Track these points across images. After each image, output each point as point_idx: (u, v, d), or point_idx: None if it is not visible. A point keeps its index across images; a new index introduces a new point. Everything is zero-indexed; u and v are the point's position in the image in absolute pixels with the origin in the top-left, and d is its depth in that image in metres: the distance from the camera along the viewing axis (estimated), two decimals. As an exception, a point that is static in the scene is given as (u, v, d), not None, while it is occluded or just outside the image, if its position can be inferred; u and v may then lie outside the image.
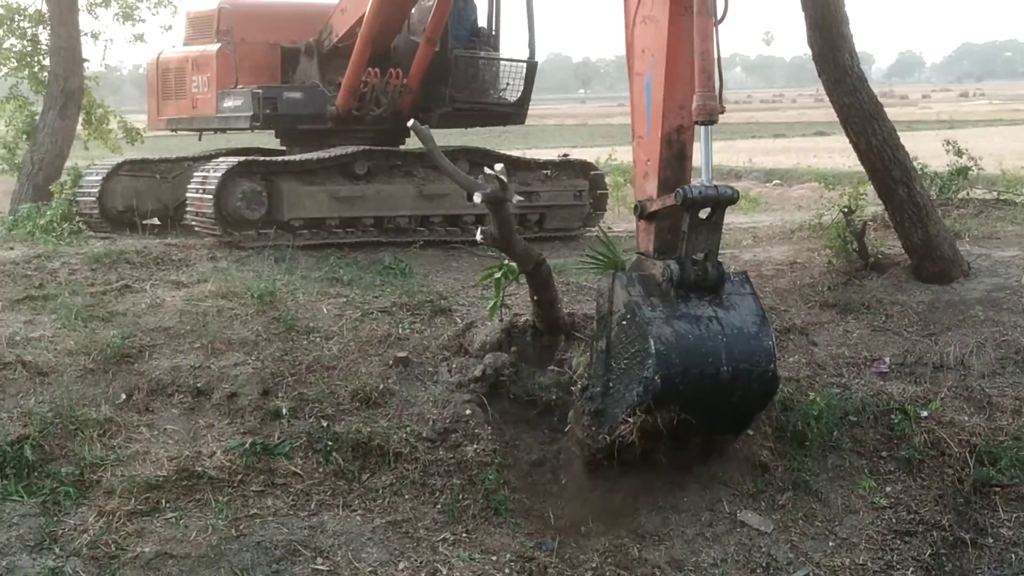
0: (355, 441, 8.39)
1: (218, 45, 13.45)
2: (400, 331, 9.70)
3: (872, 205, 12.20)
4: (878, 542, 8.33)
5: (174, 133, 15.06)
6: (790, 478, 8.59)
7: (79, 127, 18.09)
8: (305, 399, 8.72)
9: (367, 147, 12.75)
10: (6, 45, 18.24)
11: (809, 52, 10.47)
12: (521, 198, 10.59)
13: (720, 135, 7.58)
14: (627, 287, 7.45)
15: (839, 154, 23.96)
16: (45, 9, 17.88)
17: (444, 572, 7.65)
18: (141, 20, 19.01)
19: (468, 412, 8.72)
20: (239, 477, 8.03)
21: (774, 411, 8.69)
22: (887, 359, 9.76)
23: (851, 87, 10.39)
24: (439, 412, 8.72)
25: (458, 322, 9.81)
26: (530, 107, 14.02)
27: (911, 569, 8.19)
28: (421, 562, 7.68)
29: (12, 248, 12.05)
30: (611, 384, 7.57)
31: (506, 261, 9.08)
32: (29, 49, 18.32)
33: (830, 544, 8.26)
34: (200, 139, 14.90)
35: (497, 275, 9.20)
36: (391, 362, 9.20)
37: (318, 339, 9.48)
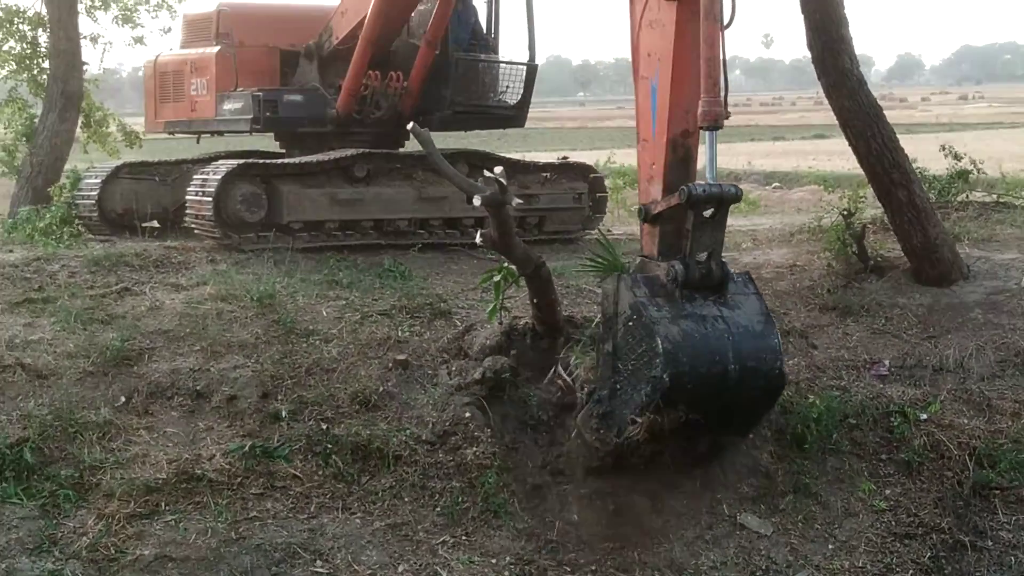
0: (355, 444, 8.39)
1: (217, 48, 13.45)
2: (399, 334, 9.70)
3: (871, 208, 12.21)
4: (877, 545, 8.34)
5: (172, 136, 15.05)
6: (790, 481, 8.60)
7: (78, 130, 18.10)
8: (304, 402, 8.72)
9: (367, 150, 12.76)
10: (5, 48, 18.27)
11: (809, 55, 10.49)
12: (520, 201, 10.59)
13: (719, 138, 7.57)
14: (632, 288, 7.43)
15: (839, 157, 23.93)
16: (44, 12, 17.89)
17: (443, 575, 7.66)
18: (140, 24, 19.03)
19: (468, 415, 8.71)
20: (239, 480, 8.03)
21: (773, 414, 8.69)
22: (887, 362, 9.77)
23: (851, 90, 10.41)
24: (438, 415, 8.72)
25: (458, 325, 9.82)
26: (530, 110, 14.03)
27: (910, 572, 8.20)
28: (420, 565, 7.68)
29: (11, 251, 12.05)
30: (618, 386, 7.52)
31: (505, 264, 9.08)
32: (28, 52, 18.33)
33: (829, 547, 8.26)
34: (199, 142, 14.90)
35: (496, 278, 9.20)
36: (390, 365, 9.20)
37: (317, 342, 9.48)
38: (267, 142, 14.12)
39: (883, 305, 10.51)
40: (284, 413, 8.59)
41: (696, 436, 7.61)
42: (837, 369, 9.61)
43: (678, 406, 7.13)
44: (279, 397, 8.75)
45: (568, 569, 7.86)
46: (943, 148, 14.31)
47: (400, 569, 7.65)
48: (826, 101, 10.83)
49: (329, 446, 8.36)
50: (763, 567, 8.03)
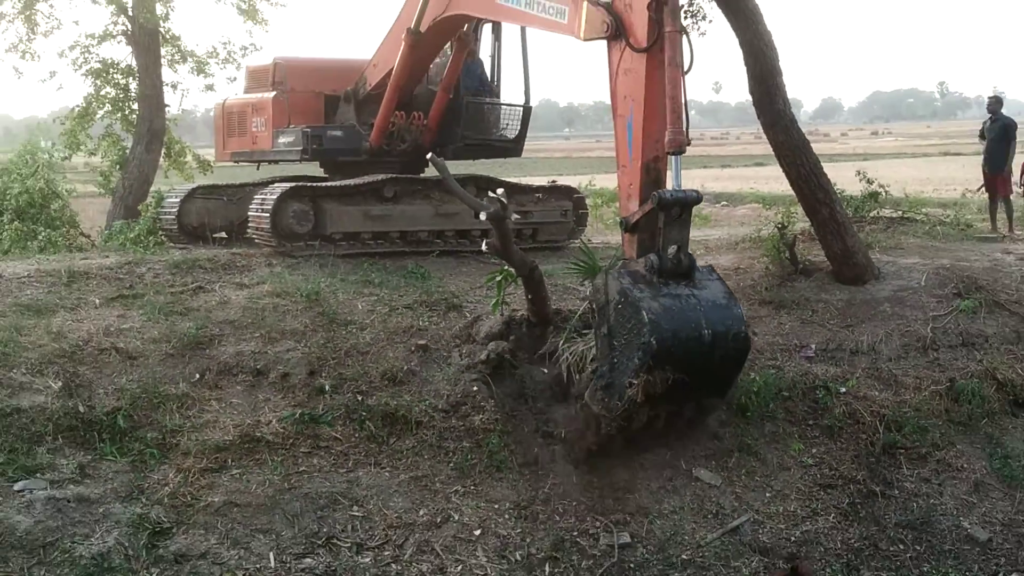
0: (384, 412, 8.39)
1: (273, 93, 13.42)
2: (420, 323, 9.69)
3: (801, 222, 12.20)
4: (805, 493, 8.33)
5: (237, 164, 15.03)
6: (735, 442, 8.59)
7: (161, 159, 18.10)
8: (344, 378, 8.71)
9: (394, 175, 12.73)
10: (103, 92, 18.24)
11: (750, 99, 10.48)
12: (518, 216, 10.60)
13: (682, 161, 7.58)
14: (618, 279, 7.36)
15: (774, 181, 23.92)
16: (134, 64, 17.88)
17: (456, 517, 7.65)
18: (211, 74, 19.00)
19: (475, 389, 8.70)
20: (290, 441, 8.03)
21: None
22: (813, 346, 9.76)
23: (784, 127, 10.39)
24: (452, 388, 8.72)
25: (467, 316, 9.81)
26: (525, 143, 14.02)
27: (832, 515, 8.20)
28: (437, 509, 7.69)
29: (108, 256, 12.04)
30: (615, 360, 7.33)
31: (506, 267, 9.08)
32: (121, 96, 18.32)
33: (767, 495, 8.26)
34: (258, 168, 14.88)
35: (499, 278, 9.21)
36: (413, 348, 9.20)
37: (354, 330, 9.48)
38: (313, 169, 14.10)
39: (810, 300, 10.50)
40: (327, 387, 8.59)
41: (683, 400, 7.42)
42: (773, 352, 9.61)
43: (665, 367, 6.98)
44: (323, 374, 8.75)
45: (556, 513, 7.86)
46: (858, 174, 14.32)
47: (421, 513, 7.65)
48: (764, 136, 10.82)
49: (364, 413, 8.36)
50: (713, 511, 8.03)
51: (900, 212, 14.43)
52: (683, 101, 7.35)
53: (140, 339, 8.99)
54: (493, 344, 9.04)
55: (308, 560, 7.12)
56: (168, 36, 18.05)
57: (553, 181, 14.98)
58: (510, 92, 13.53)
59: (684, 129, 7.35)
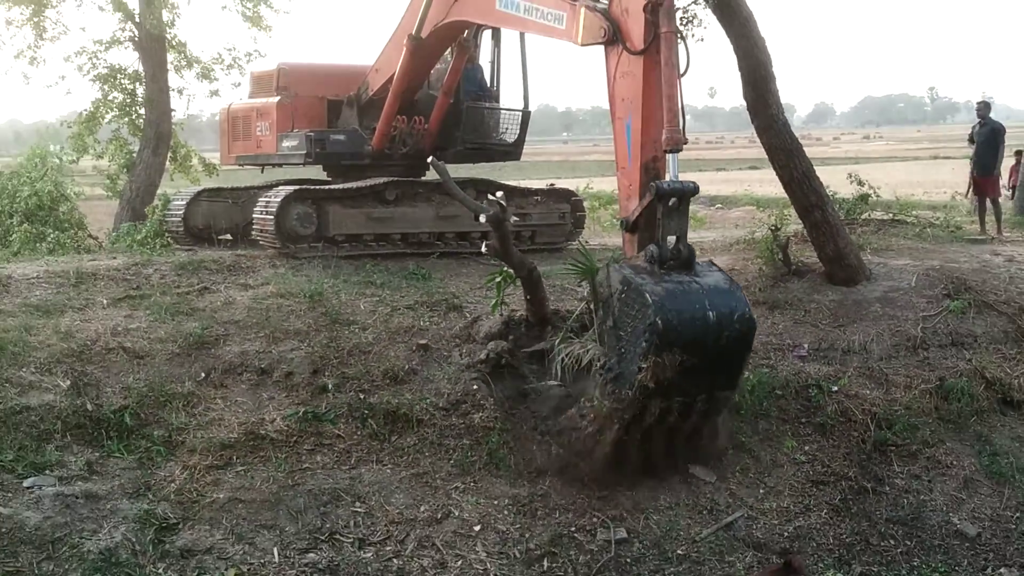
0: (386, 410, 8.39)
1: (278, 98, 13.43)
2: (421, 323, 9.69)
3: (794, 224, 12.21)
4: (798, 489, 8.33)
5: (241, 167, 15.04)
6: (730, 440, 8.59)
7: (167, 163, 18.11)
8: (346, 377, 8.71)
9: (396, 178, 12.74)
10: (110, 97, 18.25)
11: (744, 104, 10.48)
12: (517, 218, 10.60)
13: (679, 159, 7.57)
14: (620, 270, 7.29)
15: (768, 184, 23.94)
16: (141, 69, 17.89)
17: (456, 513, 7.65)
18: (216, 79, 19.00)
19: (475, 387, 8.70)
20: (294, 438, 8.03)
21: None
22: (806, 345, 9.77)
23: (777, 131, 10.40)
24: (452, 387, 8.72)
25: (467, 316, 9.81)
26: (524, 147, 14.02)
27: (824, 511, 8.20)
28: (438, 505, 7.68)
29: (115, 258, 12.04)
30: (623, 350, 7.15)
31: (505, 268, 9.08)
32: (128, 101, 18.35)
33: (760, 491, 8.26)
34: (263, 172, 14.89)
35: (498, 279, 9.21)
36: (414, 348, 9.20)
37: (357, 330, 9.47)
38: (317, 172, 14.10)
39: (803, 300, 10.50)
40: (330, 386, 8.59)
41: (694, 390, 7.15)
42: (767, 351, 9.60)
43: (673, 348, 6.79)
44: (326, 373, 8.75)
45: (554, 508, 7.85)
46: (850, 177, 14.32)
47: (422, 508, 7.64)
48: (758, 140, 10.82)
49: (366, 412, 8.35)
50: (708, 507, 8.01)
51: (891, 214, 14.45)
52: (679, 100, 7.35)
53: (147, 339, 8.98)
54: (492, 344, 9.03)
55: (311, 555, 7.12)
56: (174, 42, 18.06)
57: (551, 184, 14.94)
58: (509, 97, 13.55)
59: (681, 127, 7.35)
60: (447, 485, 7.87)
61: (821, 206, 10.57)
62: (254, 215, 12.38)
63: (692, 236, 15.45)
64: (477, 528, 7.56)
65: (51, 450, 7.50)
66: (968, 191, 15.68)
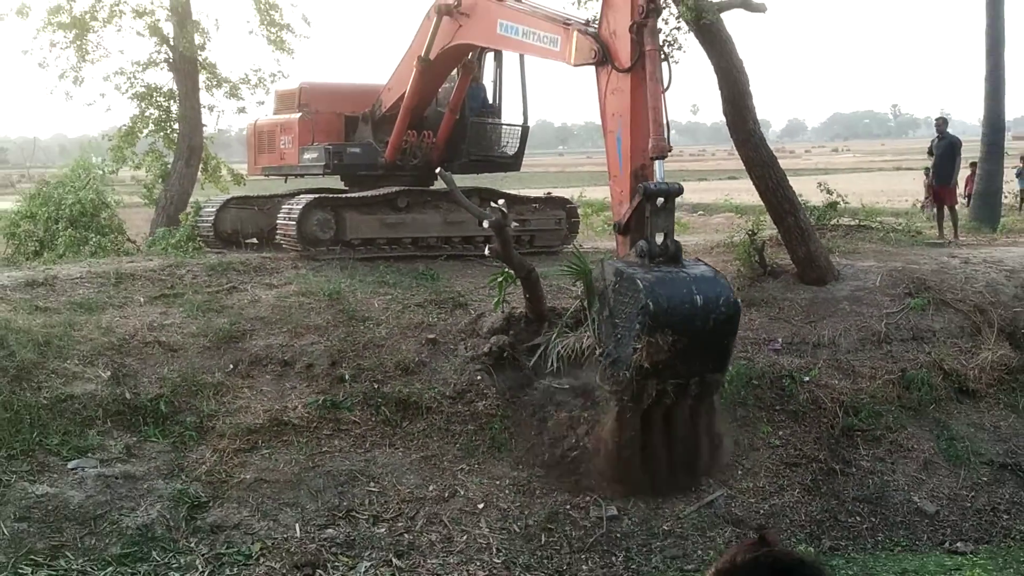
0: (398, 398, 8.39)
1: (299, 114, 13.41)
2: (430, 320, 9.68)
3: (769, 229, 12.19)
4: (773, 471, 8.34)
5: (267, 177, 15.03)
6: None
7: (199, 173, 18.09)
8: (362, 368, 8.71)
9: (407, 187, 12.73)
10: (147, 114, 18.24)
11: (724, 119, 10.47)
12: (517, 224, 10.59)
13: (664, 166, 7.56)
14: (614, 264, 7.27)
15: (746, 193, 23.88)
16: (175, 88, 17.88)
17: (461, 492, 7.65)
18: (242, 98, 18.97)
19: (479, 378, 8.71)
20: (314, 424, 8.03)
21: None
22: (780, 340, 9.75)
23: (754, 145, 10.38)
24: (458, 378, 8.72)
25: (472, 313, 9.80)
26: (524, 159, 14.01)
27: (797, 490, 8.20)
28: (445, 485, 7.69)
29: (151, 260, 12.04)
30: (619, 335, 7.05)
31: (506, 269, 9.08)
32: (163, 117, 18.30)
33: (739, 472, 8.26)
34: (286, 182, 14.87)
35: (500, 279, 9.21)
36: (423, 342, 9.19)
37: (371, 325, 9.47)
38: (335, 182, 14.09)
39: (777, 299, 10.48)
40: (347, 376, 8.59)
41: (686, 372, 7.03)
42: (744, 345, 9.58)
43: (664, 329, 6.71)
44: (344, 365, 8.75)
45: (552, 489, 7.85)
46: (820, 186, 14.28)
47: (430, 488, 7.65)
48: (737, 152, 10.81)
49: (379, 400, 8.36)
50: (691, 487, 8.00)
51: (857, 220, 14.40)
52: (664, 112, 7.36)
53: (180, 333, 8.99)
54: (495, 338, 9.03)
55: (330, 530, 7.12)
56: (205, 63, 18.03)
57: (548, 193, 14.95)
58: (510, 113, 13.52)
59: (666, 136, 7.36)
60: (453, 467, 7.87)
61: (794, 213, 10.56)
62: (278, 221, 12.36)
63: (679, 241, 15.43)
64: (481, 506, 7.56)
65: (93, 435, 7.50)
66: (925, 200, 15.64)
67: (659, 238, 7.20)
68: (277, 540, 6.95)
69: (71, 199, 15.52)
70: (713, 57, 10.03)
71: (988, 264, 11.31)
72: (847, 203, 14.31)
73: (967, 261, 11.59)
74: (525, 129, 13.63)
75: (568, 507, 7.70)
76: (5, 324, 8.47)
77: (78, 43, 17.46)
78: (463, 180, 12.37)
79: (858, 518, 8.07)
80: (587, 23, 8.53)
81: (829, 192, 14.06)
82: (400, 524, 7.31)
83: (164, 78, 18.10)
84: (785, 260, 11.08)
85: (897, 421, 8.88)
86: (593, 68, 8.14)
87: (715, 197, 33.17)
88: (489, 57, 13.10)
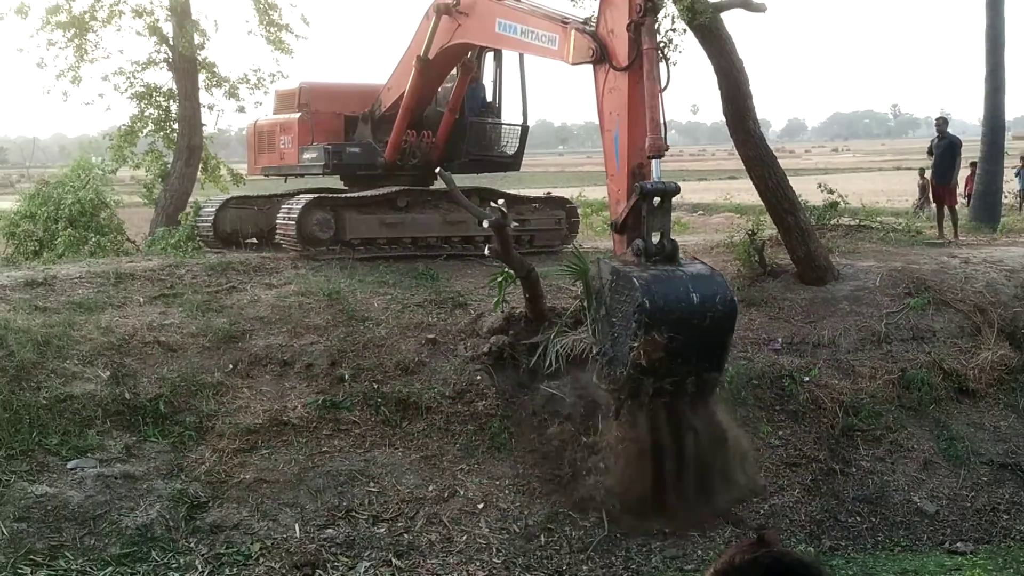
0: (397, 398, 8.39)
1: (299, 114, 13.41)
2: (430, 319, 9.68)
3: (769, 229, 12.19)
4: (773, 471, 8.34)
5: (266, 177, 15.02)
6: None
7: (198, 173, 18.09)
8: (361, 368, 8.71)
9: (406, 187, 12.72)
10: (147, 113, 18.23)
11: (724, 119, 10.47)
12: (517, 224, 10.59)
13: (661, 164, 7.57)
14: (611, 263, 7.29)
15: (746, 192, 23.87)
16: (175, 88, 17.88)
17: (461, 492, 7.65)
18: (242, 98, 18.96)
19: (479, 378, 8.70)
20: (314, 424, 8.03)
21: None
22: (780, 339, 9.75)
23: (754, 144, 10.39)
24: (458, 377, 8.71)
25: (471, 313, 9.79)
26: (523, 158, 14.00)
27: (797, 490, 8.20)
28: (444, 485, 7.69)
29: (151, 260, 12.03)
30: (616, 334, 7.06)
31: (506, 269, 9.08)
32: (163, 117, 18.30)
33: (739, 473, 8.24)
34: (285, 181, 14.87)
35: (499, 279, 9.21)
36: (423, 342, 9.19)
37: (371, 325, 9.46)
38: (334, 182, 14.08)
39: (777, 299, 10.48)
40: (347, 376, 8.59)
41: (683, 370, 6.99)
42: (744, 345, 9.59)
43: (660, 327, 6.69)
44: (343, 365, 8.75)
45: (549, 488, 7.85)
46: (820, 186, 14.29)
47: (430, 488, 7.65)
48: (737, 152, 10.81)
49: (379, 400, 8.35)
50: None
51: (857, 220, 14.41)
52: (661, 112, 7.36)
53: (180, 333, 8.98)
54: (495, 338, 9.03)
55: (330, 531, 7.12)
56: (205, 63, 18.03)
57: (548, 193, 14.95)
58: (510, 113, 13.52)
59: (663, 136, 7.36)
60: (453, 467, 7.87)
61: (794, 212, 10.56)
62: (278, 221, 12.36)
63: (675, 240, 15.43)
64: (480, 506, 7.56)
65: (92, 435, 7.50)
66: (922, 200, 15.65)
67: (655, 237, 7.20)
68: (277, 540, 6.95)
69: (70, 199, 15.52)
70: (713, 57, 10.03)
71: (988, 264, 11.31)
72: (847, 203, 14.31)
73: (967, 261, 11.59)
74: (525, 129, 13.63)
75: (568, 507, 7.69)
76: (5, 324, 8.47)
77: (77, 43, 17.46)
78: (463, 180, 12.36)
79: (858, 518, 8.07)
80: (585, 22, 8.53)
81: (829, 192, 14.06)
82: (400, 524, 7.31)
83: (163, 78, 18.10)
84: (785, 260, 11.08)
85: (897, 421, 8.88)
86: (591, 67, 8.13)
87: (715, 197, 33.17)
88: (489, 57, 13.10)
